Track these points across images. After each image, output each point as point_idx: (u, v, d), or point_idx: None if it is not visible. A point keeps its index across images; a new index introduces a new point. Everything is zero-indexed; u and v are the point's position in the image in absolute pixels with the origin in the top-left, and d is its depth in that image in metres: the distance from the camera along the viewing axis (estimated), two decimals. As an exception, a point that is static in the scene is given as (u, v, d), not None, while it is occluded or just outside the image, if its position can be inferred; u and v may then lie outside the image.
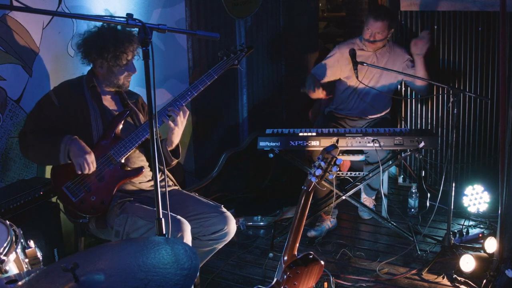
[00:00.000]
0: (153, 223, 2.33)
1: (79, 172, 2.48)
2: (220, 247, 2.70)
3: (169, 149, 2.73)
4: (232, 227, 2.65)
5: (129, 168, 2.64)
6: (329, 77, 3.87)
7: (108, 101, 2.72)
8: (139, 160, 2.72)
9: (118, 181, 2.59)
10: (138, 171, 2.64)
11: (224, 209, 2.68)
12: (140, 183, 2.72)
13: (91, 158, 2.48)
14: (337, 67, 3.84)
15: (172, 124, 2.61)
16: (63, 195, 2.54)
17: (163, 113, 2.59)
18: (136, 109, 2.80)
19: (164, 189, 1.97)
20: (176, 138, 2.69)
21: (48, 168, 3.06)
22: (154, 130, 1.85)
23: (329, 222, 3.71)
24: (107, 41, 2.53)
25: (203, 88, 2.68)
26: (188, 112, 2.66)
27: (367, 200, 3.94)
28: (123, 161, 2.61)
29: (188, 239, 2.43)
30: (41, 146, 2.53)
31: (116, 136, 2.61)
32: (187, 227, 2.44)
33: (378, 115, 3.92)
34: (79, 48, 2.62)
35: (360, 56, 3.72)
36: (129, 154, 2.60)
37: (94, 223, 2.60)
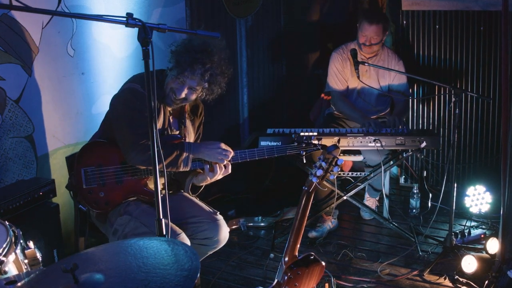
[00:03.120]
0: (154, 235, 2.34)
1: (222, 169, 2.51)
2: (211, 252, 2.68)
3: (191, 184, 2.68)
4: (223, 236, 2.63)
5: (148, 189, 2.59)
6: (343, 82, 3.82)
7: (170, 108, 2.62)
8: (159, 182, 2.67)
9: (132, 193, 2.57)
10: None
11: (218, 217, 2.64)
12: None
13: (221, 147, 2.51)
14: (342, 71, 3.82)
15: (209, 174, 2.54)
16: (77, 176, 2.48)
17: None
18: (192, 127, 2.73)
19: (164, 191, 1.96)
20: (204, 183, 2.65)
21: (50, 168, 3.05)
22: (154, 131, 1.85)
23: (330, 223, 3.70)
24: (194, 49, 2.43)
25: (257, 158, 2.65)
26: (229, 173, 2.58)
27: (371, 200, 3.93)
28: (147, 181, 2.59)
29: None
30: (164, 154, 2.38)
31: None
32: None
33: (376, 116, 3.89)
34: (178, 48, 2.51)
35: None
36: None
37: (95, 213, 2.58)
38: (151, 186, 2.61)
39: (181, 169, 2.49)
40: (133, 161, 2.45)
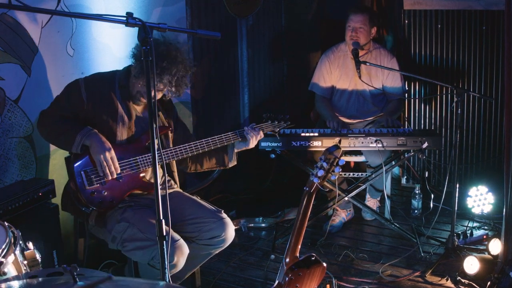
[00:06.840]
0: (150, 242, 2.35)
1: (101, 174, 2.44)
2: (216, 252, 2.68)
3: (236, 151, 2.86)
4: (230, 234, 2.63)
5: (146, 180, 2.61)
6: (328, 86, 3.86)
7: (139, 106, 2.65)
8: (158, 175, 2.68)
9: (133, 187, 2.57)
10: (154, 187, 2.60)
11: (223, 215, 2.64)
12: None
13: (110, 154, 2.44)
14: (329, 74, 3.82)
15: (251, 142, 2.83)
16: (78, 178, 2.46)
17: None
18: (164, 115, 2.76)
19: (164, 191, 1.95)
20: (244, 148, 2.88)
21: (49, 169, 3.04)
22: (154, 129, 1.84)
23: (344, 215, 3.74)
24: (161, 57, 2.41)
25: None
26: (261, 136, 2.90)
27: (372, 201, 3.91)
28: (144, 174, 2.59)
29: (180, 264, 2.43)
30: (58, 131, 2.48)
31: (148, 147, 2.58)
32: (184, 251, 2.43)
33: (372, 118, 3.87)
34: (137, 47, 2.52)
35: (344, 63, 3.71)
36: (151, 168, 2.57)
37: (94, 220, 2.56)
38: (148, 177, 2.64)
39: (68, 150, 2.52)
40: (39, 132, 2.58)
